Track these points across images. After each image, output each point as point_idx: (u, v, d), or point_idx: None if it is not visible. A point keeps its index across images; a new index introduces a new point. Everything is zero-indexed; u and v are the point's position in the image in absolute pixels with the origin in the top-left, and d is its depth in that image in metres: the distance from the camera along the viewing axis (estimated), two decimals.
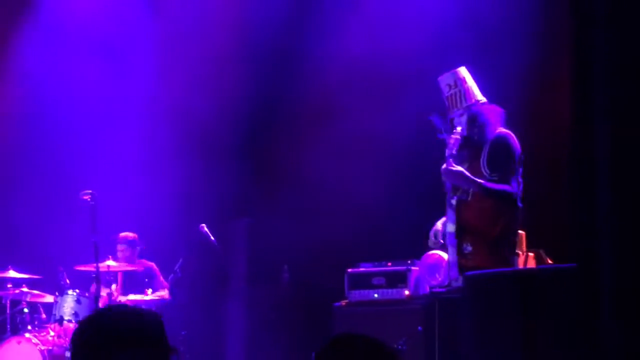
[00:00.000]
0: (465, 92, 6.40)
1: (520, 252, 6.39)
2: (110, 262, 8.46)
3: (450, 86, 6.42)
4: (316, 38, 9.31)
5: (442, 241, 6.53)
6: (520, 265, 6.32)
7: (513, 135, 6.33)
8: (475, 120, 6.33)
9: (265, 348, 8.72)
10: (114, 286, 8.64)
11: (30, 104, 9.90)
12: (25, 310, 8.49)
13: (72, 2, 9.81)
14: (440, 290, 6.40)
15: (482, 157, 6.27)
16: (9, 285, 8.46)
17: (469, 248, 6.20)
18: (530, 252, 6.47)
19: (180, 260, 8.61)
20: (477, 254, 6.17)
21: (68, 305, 8.38)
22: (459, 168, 6.21)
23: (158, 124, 9.69)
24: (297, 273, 9.21)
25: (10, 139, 9.91)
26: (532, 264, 6.43)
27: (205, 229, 8.68)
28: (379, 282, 7.18)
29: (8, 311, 8.42)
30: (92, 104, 9.78)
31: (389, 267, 7.22)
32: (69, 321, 8.32)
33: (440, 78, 6.50)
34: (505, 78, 7.96)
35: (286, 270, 9.19)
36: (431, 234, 6.71)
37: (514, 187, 6.20)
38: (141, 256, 9.19)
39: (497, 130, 6.32)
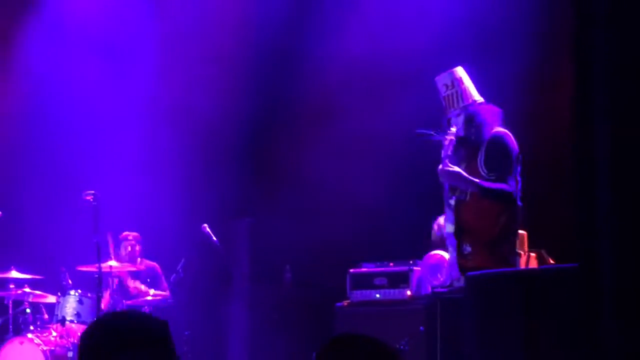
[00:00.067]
0: (462, 92, 6.40)
1: (522, 253, 6.39)
2: (113, 263, 8.47)
3: (447, 86, 6.42)
4: (316, 38, 9.32)
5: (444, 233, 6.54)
6: (522, 266, 6.33)
7: (510, 134, 6.33)
8: (472, 120, 6.33)
9: (268, 348, 8.73)
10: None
11: (33, 104, 9.90)
12: (28, 310, 8.49)
13: (75, 2, 9.82)
14: (442, 290, 6.41)
15: (480, 156, 6.27)
16: (12, 286, 8.46)
17: (469, 248, 6.20)
18: (532, 252, 6.48)
19: (183, 260, 8.62)
20: (477, 254, 6.17)
21: (70, 305, 8.38)
22: (456, 168, 6.21)
23: (160, 125, 9.69)
24: (299, 273, 9.22)
25: (13, 138, 9.92)
26: (534, 264, 6.44)
27: (208, 229, 8.69)
28: (381, 283, 7.19)
29: (10, 312, 8.43)
30: (94, 104, 9.79)
31: (391, 267, 7.23)
32: (71, 321, 8.33)
33: (437, 78, 6.50)
34: (505, 78, 7.96)
35: (288, 270, 9.20)
36: (434, 225, 6.71)
37: (512, 186, 6.20)
38: (143, 256, 9.21)
39: (494, 130, 6.31)
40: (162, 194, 9.49)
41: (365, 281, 7.24)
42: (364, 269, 7.32)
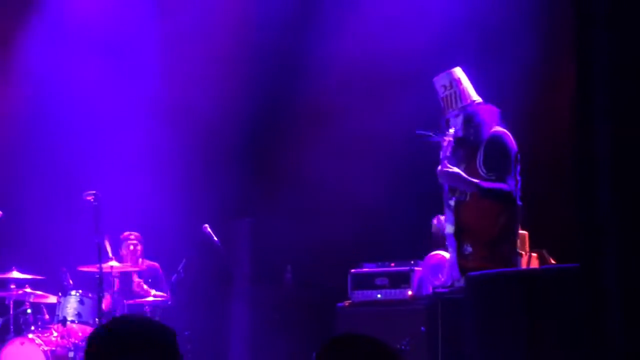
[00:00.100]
0: (461, 93, 6.39)
1: (523, 253, 6.39)
2: (114, 263, 8.48)
3: (445, 87, 6.42)
4: (317, 38, 9.32)
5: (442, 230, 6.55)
6: (524, 266, 6.33)
7: (509, 133, 6.32)
8: (471, 121, 6.32)
9: (269, 348, 8.73)
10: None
11: (34, 104, 9.91)
12: (29, 310, 8.49)
13: (75, 3, 9.83)
14: (443, 290, 6.40)
15: (479, 157, 6.26)
16: (12, 286, 8.47)
17: (469, 249, 6.20)
18: (534, 252, 6.48)
19: (184, 261, 8.63)
20: (477, 255, 6.17)
21: (71, 305, 8.38)
22: (455, 169, 6.21)
23: (161, 125, 9.70)
24: (300, 273, 9.22)
25: (14, 139, 9.92)
26: (535, 264, 6.44)
27: (208, 229, 8.69)
28: (382, 283, 7.19)
29: (11, 312, 8.43)
30: (95, 104, 9.79)
31: (392, 267, 7.24)
32: (72, 322, 8.33)
33: (435, 79, 6.50)
34: (505, 78, 7.97)
35: (289, 270, 9.21)
36: (433, 220, 6.71)
37: (511, 185, 6.19)
38: (144, 256, 9.22)
39: (493, 130, 6.31)
40: (162, 194, 9.49)
41: (367, 281, 7.24)
42: (365, 269, 7.33)
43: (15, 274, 8.43)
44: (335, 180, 9.03)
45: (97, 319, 7.98)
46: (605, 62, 3.57)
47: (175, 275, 8.65)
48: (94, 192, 7.99)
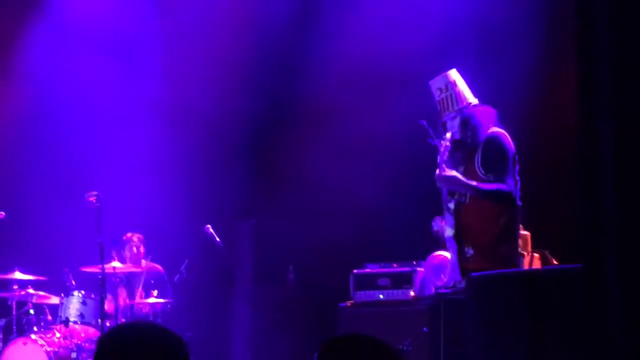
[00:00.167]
0: (457, 95, 6.38)
1: (525, 253, 6.39)
2: (116, 264, 8.48)
3: (441, 90, 6.41)
4: (318, 39, 9.33)
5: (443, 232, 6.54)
6: (526, 266, 6.32)
7: (506, 134, 6.31)
8: (467, 123, 6.32)
9: (271, 348, 8.73)
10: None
11: (36, 105, 9.91)
12: (31, 311, 8.50)
13: (77, 4, 9.83)
14: (446, 291, 6.40)
15: (477, 158, 6.26)
16: (15, 287, 8.46)
17: (470, 251, 6.20)
18: (536, 252, 6.47)
19: (186, 261, 8.63)
20: (479, 256, 6.16)
21: (74, 306, 8.38)
22: (453, 173, 6.20)
23: (162, 126, 9.70)
24: (302, 273, 9.22)
25: (16, 139, 9.92)
26: (537, 264, 6.43)
27: (211, 229, 8.69)
28: (384, 283, 7.19)
29: (14, 312, 8.43)
30: (98, 105, 9.80)
31: (395, 268, 7.23)
32: (75, 322, 8.33)
33: (430, 82, 6.49)
34: (507, 78, 7.97)
35: (292, 271, 9.21)
36: (433, 223, 6.71)
37: (510, 185, 6.19)
38: (146, 257, 9.22)
39: (490, 131, 6.30)
40: (165, 195, 9.50)
41: (369, 282, 7.24)
42: (367, 270, 7.33)
43: (18, 275, 8.43)
44: (337, 180, 9.03)
45: (99, 320, 7.98)
46: (607, 63, 3.57)
47: (178, 275, 8.66)
48: (96, 192, 7.99)
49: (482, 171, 6.23)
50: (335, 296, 7.55)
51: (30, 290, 8.48)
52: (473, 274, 5.64)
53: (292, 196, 9.27)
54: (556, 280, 5.11)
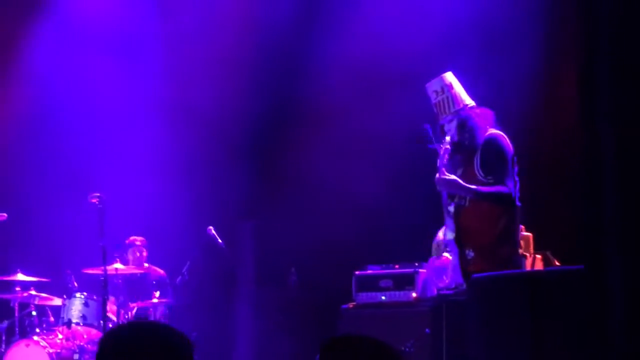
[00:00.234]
0: (453, 98, 6.36)
1: (527, 254, 6.37)
2: (118, 265, 8.48)
3: (437, 93, 6.39)
4: (319, 39, 9.33)
5: (444, 251, 6.54)
6: (528, 267, 6.31)
7: (505, 135, 6.30)
8: (464, 125, 6.30)
9: (273, 350, 8.72)
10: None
11: (39, 106, 9.93)
12: (34, 313, 8.50)
13: (80, 5, 9.84)
14: (448, 292, 6.39)
15: (475, 161, 6.25)
16: (17, 289, 8.47)
17: (471, 254, 6.19)
18: (538, 254, 6.46)
19: (188, 263, 8.63)
20: (479, 258, 6.15)
21: (76, 308, 8.39)
22: (452, 177, 6.19)
23: (164, 127, 9.71)
24: (304, 275, 9.22)
25: (18, 140, 9.93)
26: (539, 265, 6.42)
27: (213, 231, 8.69)
28: (386, 285, 7.18)
29: (16, 314, 8.43)
30: (100, 106, 9.81)
31: (397, 269, 7.22)
32: (77, 324, 8.33)
33: (427, 85, 6.47)
34: (508, 79, 7.96)
35: (294, 272, 9.20)
36: (433, 244, 6.70)
37: (510, 187, 6.18)
38: (149, 261, 9.22)
39: (488, 133, 6.29)
40: (167, 197, 9.50)
41: (371, 283, 7.23)
42: (369, 271, 7.32)
43: (20, 277, 8.43)
44: (339, 181, 9.03)
45: (101, 322, 7.98)
46: (608, 63, 3.57)
47: (180, 277, 8.65)
48: (98, 194, 7.99)
49: (482, 173, 6.22)
50: (338, 298, 7.54)
51: (33, 292, 8.48)
52: (475, 275, 5.64)
53: (294, 197, 9.27)
54: (558, 282, 5.10)
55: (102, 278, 7.93)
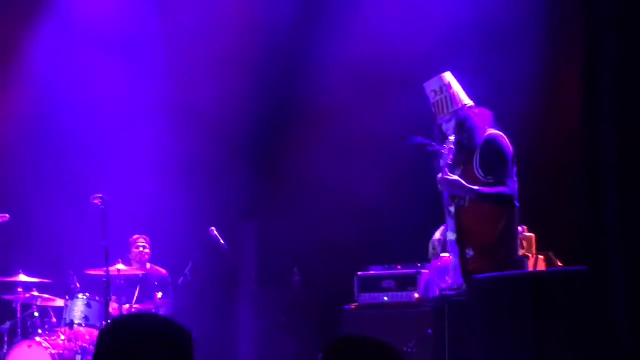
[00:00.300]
0: (452, 98, 6.35)
1: (530, 255, 6.38)
2: (121, 266, 8.49)
3: (435, 92, 6.38)
4: (320, 40, 9.33)
5: (440, 251, 6.53)
6: (531, 268, 6.32)
7: (504, 136, 6.30)
8: (463, 125, 6.29)
9: (276, 350, 8.73)
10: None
11: (40, 106, 9.93)
12: (36, 314, 8.51)
13: (82, 5, 9.85)
14: (450, 293, 6.39)
15: (475, 161, 6.24)
16: (20, 290, 8.48)
17: (471, 252, 6.20)
18: (540, 254, 6.46)
19: (190, 264, 8.64)
20: (479, 257, 6.16)
21: (78, 309, 8.39)
22: (456, 177, 6.19)
23: (166, 127, 9.72)
24: (307, 275, 9.22)
25: (20, 141, 9.94)
26: (542, 266, 6.42)
27: (215, 232, 8.70)
28: (388, 285, 7.19)
29: (19, 315, 8.44)
30: (102, 107, 9.82)
31: (399, 270, 7.23)
32: (80, 325, 8.34)
33: (425, 85, 6.46)
34: (509, 79, 7.96)
35: (297, 273, 9.21)
36: (430, 245, 6.71)
37: (511, 187, 6.18)
38: (151, 260, 9.23)
39: (488, 133, 6.29)
40: (169, 197, 9.51)
41: (373, 284, 7.24)
42: (372, 272, 7.32)
43: (23, 277, 8.44)
44: (342, 181, 9.03)
45: (104, 323, 7.98)
46: (610, 64, 3.57)
47: (182, 278, 8.66)
48: (100, 195, 7.99)
49: (482, 173, 6.22)
50: (340, 298, 7.55)
51: (35, 293, 8.49)
52: (476, 275, 5.64)
53: (296, 197, 9.27)
54: (561, 282, 5.11)
55: (105, 279, 7.93)
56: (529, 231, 6.48)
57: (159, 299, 8.69)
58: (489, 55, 8.14)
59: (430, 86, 6.42)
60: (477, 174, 6.22)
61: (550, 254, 6.50)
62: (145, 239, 9.19)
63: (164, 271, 9.17)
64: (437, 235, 6.65)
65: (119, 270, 8.42)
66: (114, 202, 8.14)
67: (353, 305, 7.28)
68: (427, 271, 7.09)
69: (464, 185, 6.17)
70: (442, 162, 6.20)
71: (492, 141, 6.25)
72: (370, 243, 8.68)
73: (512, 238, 6.20)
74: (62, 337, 8.36)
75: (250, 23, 9.64)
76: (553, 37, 8.09)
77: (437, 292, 6.78)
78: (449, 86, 6.38)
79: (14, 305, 8.49)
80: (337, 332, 7.15)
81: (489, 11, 8.30)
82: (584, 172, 3.74)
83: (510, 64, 8.08)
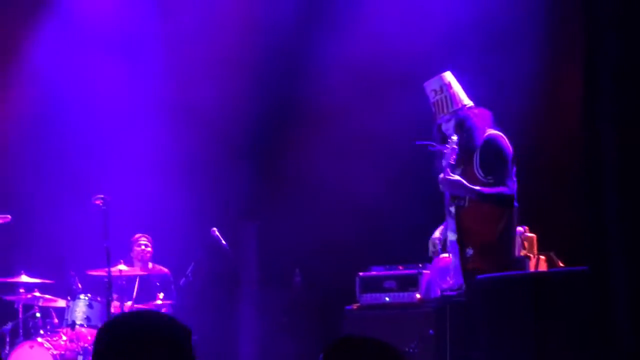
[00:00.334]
0: (452, 97, 6.36)
1: (531, 255, 6.39)
2: (122, 267, 8.50)
3: (435, 92, 6.39)
4: (320, 40, 9.33)
5: (441, 250, 6.54)
6: (532, 268, 6.33)
7: (504, 136, 6.31)
8: (462, 125, 6.30)
9: (277, 351, 8.74)
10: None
11: (41, 107, 9.94)
12: (38, 314, 8.51)
13: (83, 5, 9.86)
14: (452, 293, 6.40)
15: (475, 161, 6.25)
16: (21, 290, 8.48)
17: (471, 251, 6.21)
18: (542, 254, 6.47)
19: (192, 264, 8.64)
20: (478, 256, 6.17)
21: (80, 309, 8.40)
22: (457, 177, 6.20)
23: (167, 127, 9.72)
24: (309, 276, 9.23)
25: (21, 141, 9.95)
26: (543, 266, 6.43)
27: (217, 232, 8.70)
28: (390, 286, 7.19)
29: (20, 316, 8.44)
30: (103, 107, 9.82)
31: (400, 270, 7.23)
32: (81, 325, 8.34)
33: (425, 84, 6.47)
34: (510, 80, 7.96)
35: (298, 273, 9.21)
36: (430, 243, 6.72)
37: (511, 187, 6.19)
38: (153, 260, 9.24)
39: (487, 133, 6.30)
40: (170, 198, 9.52)
41: (375, 284, 7.24)
42: (373, 273, 7.33)
43: (24, 278, 8.45)
44: (343, 181, 9.03)
45: None
46: (610, 65, 3.58)
47: (184, 278, 8.67)
48: (102, 196, 8.00)
49: (482, 173, 6.22)
50: (341, 299, 7.55)
51: (37, 294, 8.50)
52: (478, 276, 5.65)
53: (297, 197, 9.28)
54: (562, 283, 5.12)
55: (106, 279, 7.94)
56: (530, 231, 6.49)
57: (161, 299, 8.69)
58: (489, 55, 8.15)
59: (431, 85, 6.42)
60: (477, 174, 6.22)
61: (552, 254, 6.51)
62: (147, 238, 9.20)
63: (166, 270, 9.18)
64: (437, 233, 6.66)
65: (120, 271, 8.43)
66: (115, 203, 8.15)
67: (354, 306, 7.28)
68: (428, 272, 7.09)
69: (465, 185, 6.18)
70: (444, 162, 6.21)
71: (491, 141, 6.25)
72: (371, 243, 8.69)
73: (512, 238, 6.21)
74: (64, 338, 8.36)
75: (251, 23, 9.64)
76: (553, 37, 8.09)
77: (439, 293, 6.79)
78: (449, 86, 6.38)
79: (15, 306, 8.49)
80: (338, 333, 7.16)
81: (489, 11, 8.30)
82: (584, 172, 3.75)
83: (510, 64, 8.08)
